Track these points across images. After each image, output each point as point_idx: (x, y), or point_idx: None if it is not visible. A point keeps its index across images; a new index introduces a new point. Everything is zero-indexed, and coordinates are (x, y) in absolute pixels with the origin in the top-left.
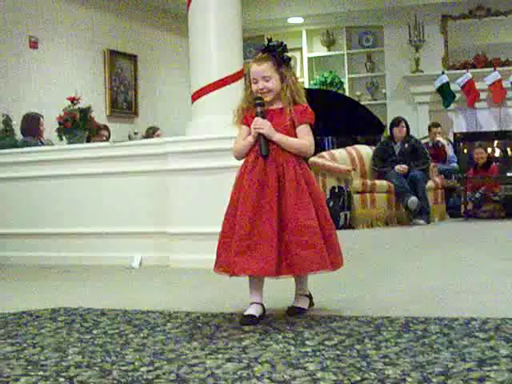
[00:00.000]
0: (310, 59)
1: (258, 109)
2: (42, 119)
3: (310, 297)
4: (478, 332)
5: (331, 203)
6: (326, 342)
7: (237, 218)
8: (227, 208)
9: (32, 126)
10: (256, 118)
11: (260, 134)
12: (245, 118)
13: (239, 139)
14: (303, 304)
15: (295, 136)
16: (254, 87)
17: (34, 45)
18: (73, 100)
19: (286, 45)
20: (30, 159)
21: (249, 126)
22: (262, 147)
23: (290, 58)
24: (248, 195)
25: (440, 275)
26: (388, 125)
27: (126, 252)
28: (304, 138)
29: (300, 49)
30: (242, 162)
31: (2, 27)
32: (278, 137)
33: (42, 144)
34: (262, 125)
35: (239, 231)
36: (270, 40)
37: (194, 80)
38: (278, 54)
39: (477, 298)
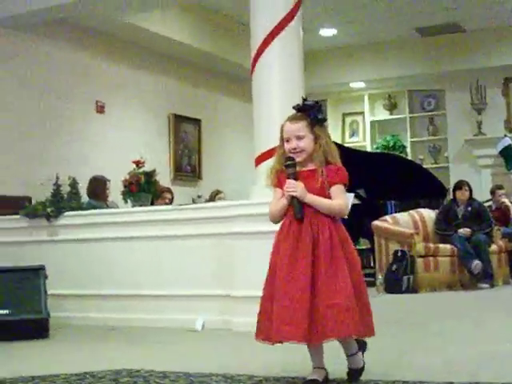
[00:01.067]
0: (372, 123)
1: (290, 170)
2: (108, 183)
3: (360, 348)
4: None
5: (394, 267)
6: None
7: (275, 285)
8: (267, 274)
9: (98, 188)
10: (288, 181)
11: (293, 197)
12: (278, 179)
13: (273, 202)
14: (357, 363)
15: (329, 197)
16: (287, 146)
17: (100, 109)
18: (138, 163)
19: (321, 105)
20: (96, 221)
21: (282, 188)
22: (296, 210)
23: (325, 119)
24: (283, 261)
25: (506, 340)
26: (451, 188)
27: (190, 314)
28: (337, 199)
29: (362, 113)
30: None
31: (70, 92)
32: (310, 198)
33: (107, 207)
34: (295, 187)
35: (276, 298)
36: (305, 99)
37: (258, 144)
38: (312, 114)
39: None
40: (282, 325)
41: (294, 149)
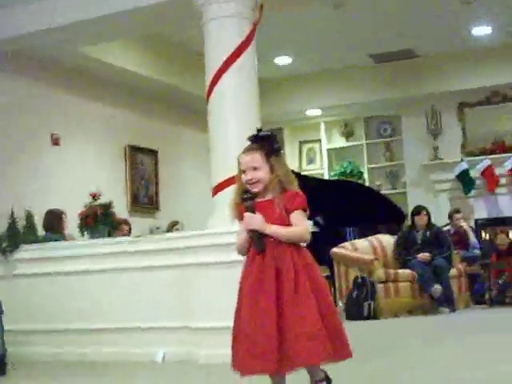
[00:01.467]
0: (329, 150)
1: (247, 203)
2: (64, 215)
3: (326, 379)
4: None
5: (355, 293)
6: None
7: (241, 318)
8: (235, 307)
9: (54, 221)
10: (245, 214)
11: (252, 230)
12: (239, 211)
13: (238, 235)
14: None
15: (289, 225)
16: (243, 178)
17: (55, 141)
18: (94, 196)
19: (275, 135)
20: (53, 255)
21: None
22: (257, 243)
23: (280, 148)
24: (247, 293)
25: (470, 365)
26: (409, 213)
27: (150, 347)
28: (297, 225)
29: (319, 140)
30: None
31: (25, 125)
32: (270, 230)
33: (65, 239)
34: (253, 220)
35: (242, 332)
36: (259, 130)
37: (214, 174)
38: (267, 144)
39: None
40: (251, 359)
41: (250, 180)
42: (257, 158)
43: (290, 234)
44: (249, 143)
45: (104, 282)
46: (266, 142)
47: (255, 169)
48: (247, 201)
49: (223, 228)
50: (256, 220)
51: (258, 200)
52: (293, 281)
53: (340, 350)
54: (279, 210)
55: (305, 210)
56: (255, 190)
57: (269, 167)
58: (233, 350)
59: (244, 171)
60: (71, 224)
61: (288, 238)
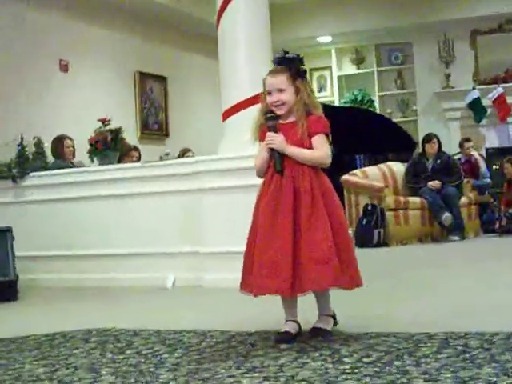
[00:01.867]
0: (339, 77)
1: (270, 123)
2: (67, 140)
3: (333, 317)
4: None
5: (364, 221)
6: (364, 359)
7: (256, 238)
8: (250, 227)
9: (58, 147)
10: (268, 133)
11: (273, 150)
12: (262, 132)
13: (257, 156)
14: (325, 324)
15: (310, 148)
16: (269, 99)
17: (64, 68)
18: (104, 121)
19: (302, 57)
20: (62, 181)
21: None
22: (276, 163)
23: (305, 71)
24: (264, 214)
25: (478, 291)
26: (420, 141)
27: (159, 272)
28: (318, 149)
29: (329, 67)
30: None
31: (33, 51)
32: (290, 150)
33: (73, 166)
34: (274, 139)
35: (257, 251)
36: (286, 52)
37: (225, 98)
38: (293, 67)
39: None
40: (265, 278)
41: (275, 102)
42: (282, 79)
43: (310, 156)
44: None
45: (114, 208)
46: (293, 65)
47: (280, 91)
48: (271, 120)
49: (233, 153)
50: (277, 140)
51: (283, 122)
52: (310, 204)
53: (351, 278)
54: (301, 132)
55: (327, 135)
56: (279, 112)
57: (294, 90)
58: (244, 272)
59: (269, 93)
60: (81, 151)
61: (309, 161)
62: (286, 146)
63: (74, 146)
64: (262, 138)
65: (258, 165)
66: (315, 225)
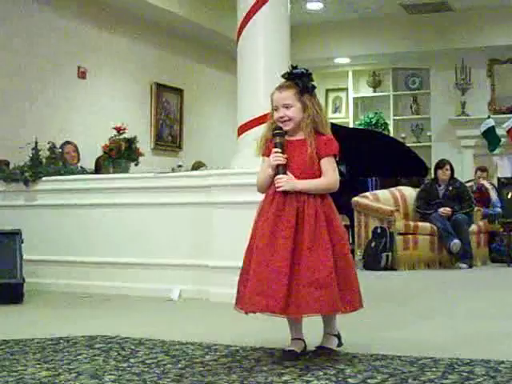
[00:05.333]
0: (355, 99)
1: (277, 139)
2: (67, 146)
3: (338, 336)
4: None
5: (373, 244)
6: (369, 381)
7: (253, 255)
8: (248, 243)
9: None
10: (274, 150)
11: (278, 166)
12: (267, 148)
13: (261, 171)
14: (330, 344)
15: (318, 167)
16: (275, 115)
17: (82, 75)
18: (119, 130)
19: (310, 73)
20: (74, 187)
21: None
22: None
23: (314, 87)
24: (263, 231)
25: (485, 318)
26: (432, 167)
27: (166, 283)
28: (329, 174)
29: (346, 89)
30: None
31: (52, 55)
32: (301, 186)
33: (85, 171)
34: (280, 179)
35: (254, 269)
36: (294, 67)
37: (240, 114)
38: (301, 82)
39: None
40: (255, 295)
41: (282, 117)
42: (289, 95)
43: (322, 186)
44: (283, 80)
45: (123, 217)
46: (300, 80)
47: (287, 106)
48: (278, 136)
49: (246, 168)
50: (283, 180)
51: (291, 138)
52: (313, 227)
53: (349, 302)
54: (310, 151)
55: (336, 157)
56: (286, 128)
57: (301, 105)
58: (239, 288)
59: (276, 108)
60: (93, 157)
61: (320, 190)
62: (295, 183)
63: (77, 151)
64: (267, 153)
65: (261, 180)
66: (317, 248)
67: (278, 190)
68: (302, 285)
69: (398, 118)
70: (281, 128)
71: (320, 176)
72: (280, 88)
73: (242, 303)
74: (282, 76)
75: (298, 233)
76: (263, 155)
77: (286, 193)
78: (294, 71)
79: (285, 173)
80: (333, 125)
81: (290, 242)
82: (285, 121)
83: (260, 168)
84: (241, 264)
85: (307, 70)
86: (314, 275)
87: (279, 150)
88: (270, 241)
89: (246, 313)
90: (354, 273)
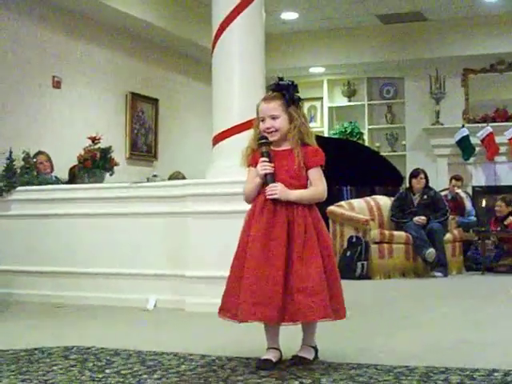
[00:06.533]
0: (330, 109)
1: (263, 148)
2: (40, 156)
3: (315, 349)
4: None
5: (348, 253)
6: None
7: (245, 264)
8: (236, 252)
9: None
10: (261, 159)
11: (267, 175)
12: (253, 158)
13: (248, 182)
14: (308, 354)
15: (305, 177)
16: (262, 126)
17: (57, 84)
18: (94, 140)
19: (296, 85)
20: (48, 197)
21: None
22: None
23: (300, 99)
24: (256, 240)
25: (459, 327)
26: (407, 176)
27: (142, 293)
28: (318, 184)
29: (321, 98)
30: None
31: (26, 66)
32: (294, 196)
33: (60, 182)
34: (274, 189)
35: (248, 278)
36: (280, 79)
37: (216, 123)
38: (288, 94)
39: (499, 350)
40: (254, 306)
41: (268, 128)
42: (276, 106)
43: (313, 196)
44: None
45: (99, 227)
46: (287, 91)
47: (274, 117)
48: (264, 145)
49: (221, 178)
50: (277, 190)
51: (277, 149)
52: (303, 235)
53: (337, 310)
54: (298, 161)
55: (322, 167)
56: (272, 138)
57: (287, 117)
58: (226, 297)
59: (263, 119)
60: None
61: (311, 200)
62: (288, 193)
63: (50, 161)
64: (253, 163)
65: (248, 190)
66: (307, 256)
67: (270, 197)
68: (294, 293)
69: (372, 127)
70: (266, 137)
71: (306, 186)
72: (267, 99)
73: (232, 312)
74: (269, 87)
75: (290, 239)
76: (249, 166)
77: (275, 202)
78: (281, 83)
79: (274, 181)
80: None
81: (283, 250)
82: (272, 131)
83: (246, 178)
84: (216, 273)
85: (293, 82)
86: (306, 283)
87: (267, 159)
88: (263, 250)
89: (240, 321)
90: (339, 281)
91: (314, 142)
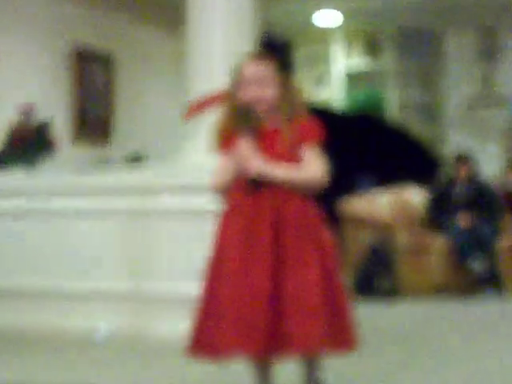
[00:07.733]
0: (345, 73)
1: (247, 126)
2: None
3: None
4: None
5: (367, 264)
6: None
7: (221, 281)
8: (209, 265)
9: None
10: (242, 142)
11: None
12: (227, 141)
13: (220, 168)
14: None
15: (299, 159)
16: (245, 94)
17: None
18: (26, 110)
19: (291, 45)
20: None
21: (233, 150)
22: (251, 182)
23: (293, 62)
24: (233, 250)
25: (503, 375)
26: (448, 162)
27: (88, 319)
28: (311, 164)
29: (332, 57)
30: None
31: None
32: (276, 173)
33: None
34: (251, 163)
35: (226, 300)
36: (271, 37)
37: (191, 91)
38: (280, 56)
39: None
40: (235, 336)
41: (255, 97)
42: (266, 70)
43: (306, 178)
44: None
45: (33, 228)
46: (279, 53)
47: (262, 84)
48: (250, 123)
49: (199, 163)
50: (254, 163)
51: (263, 125)
52: (295, 239)
53: (340, 337)
54: (289, 138)
55: (320, 143)
56: (259, 108)
57: (278, 84)
58: (197, 328)
59: (246, 85)
60: None
61: (298, 185)
62: (271, 168)
63: None
64: (226, 145)
65: (221, 181)
66: (301, 268)
67: (247, 174)
68: (285, 316)
69: (401, 97)
70: (247, 110)
71: None
72: (254, 61)
73: (210, 347)
74: (258, 47)
75: (278, 245)
76: (223, 148)
77: (258, 196)
78: (273, 42)
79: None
80: (314, 106)
81: (268, 261)
82: (258, 101)
83: (219, 164)
84: (187, 289)
85: (287, 42)
86: (300, 305)
87: (247, 145)
88: (243, 258)
89: (219, 360)
90: (345, 300)
91: (307, 115)
